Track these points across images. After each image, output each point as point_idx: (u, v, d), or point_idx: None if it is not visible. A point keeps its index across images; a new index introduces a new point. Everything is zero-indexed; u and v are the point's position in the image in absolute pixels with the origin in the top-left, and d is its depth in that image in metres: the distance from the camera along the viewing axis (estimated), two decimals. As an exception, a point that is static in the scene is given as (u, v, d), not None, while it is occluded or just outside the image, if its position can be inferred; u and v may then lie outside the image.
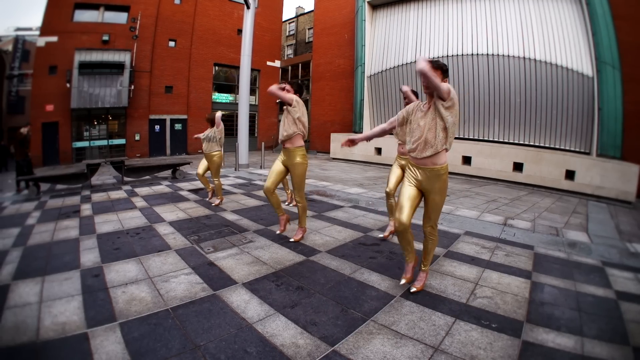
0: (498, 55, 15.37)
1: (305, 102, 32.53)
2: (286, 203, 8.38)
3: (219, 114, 8.48)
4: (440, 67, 3.71)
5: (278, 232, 6.01)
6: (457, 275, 4.44)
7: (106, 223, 6.91)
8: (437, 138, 3.63)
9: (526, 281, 4.32)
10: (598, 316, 3.55)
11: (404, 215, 3.78)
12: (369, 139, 4.48)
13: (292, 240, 5.66)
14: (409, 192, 3.88)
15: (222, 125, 8.44)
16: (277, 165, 5.65)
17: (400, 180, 5.62)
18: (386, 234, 5.98)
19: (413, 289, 3.93)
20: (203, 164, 8.74)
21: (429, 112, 3.70)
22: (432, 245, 4.08)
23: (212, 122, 8.47)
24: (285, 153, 5.57)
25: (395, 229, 3.90)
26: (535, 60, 14.51)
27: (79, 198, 9.63)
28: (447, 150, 3.73)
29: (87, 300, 3.73)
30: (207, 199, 8.64)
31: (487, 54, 15.65)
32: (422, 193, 3.92)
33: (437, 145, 3.64)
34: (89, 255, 5.09)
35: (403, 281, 4.03)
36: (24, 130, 12.39)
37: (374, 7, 20.82)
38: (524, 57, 14.75)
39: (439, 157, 3.72)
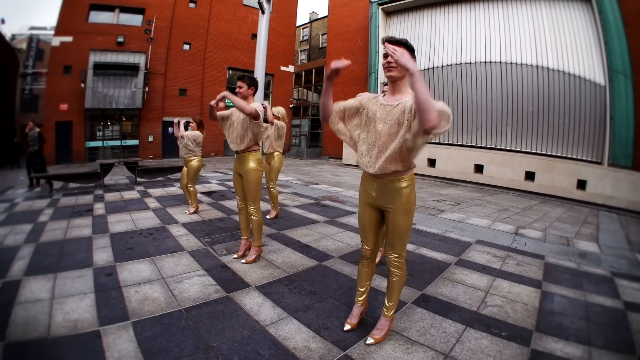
0: (511, 63, 15.31)
1: (319, 107, 32.62)
2: (267, 217, 7.47)
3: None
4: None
5: (235, 255, 5.15)
6: (468, 284, 4.43)
7: (119, 223, 6.97)
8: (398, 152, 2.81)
9: (536, 290, 4.30)
10: (606, 326, 3.55)
11: (369, 241, 3.22)
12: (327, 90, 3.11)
13: (243, 262, 4.92)
14: (367, 214, 3.16)
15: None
16: (235, 177, 5.08)
17: None
18: (377, 260, 5.26)
19: (370, 340, 3.07)
20: (184, 171, 8.02)
21: (394, 115, 2.82)
22: (398, 281, 3.14)
23: (199, 125, 8.12)
24: (238, 159, 4.94)
25: (361, 254, 3.31)
26: (548, 68, 14.43)
27: (92, 197, 9.72)
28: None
29: (100, 298, 3.76)
30: (187, 212, 7.88)
31: (500, 62, 15.60)
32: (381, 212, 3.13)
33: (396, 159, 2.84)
34: (102, 254, 5.14)
35: (347, 327, 3.29)
36: (27, 129, 12.59)
37: (388, 13, 20.80)
38: (537, 65, 14.68)
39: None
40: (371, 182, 3.02)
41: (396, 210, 2.94)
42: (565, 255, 5.79)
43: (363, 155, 2.98)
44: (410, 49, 2.79)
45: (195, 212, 7.87)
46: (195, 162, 7.83)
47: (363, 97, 3.14)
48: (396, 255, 3.07)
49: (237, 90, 4.76)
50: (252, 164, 4.81)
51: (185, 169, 7.96)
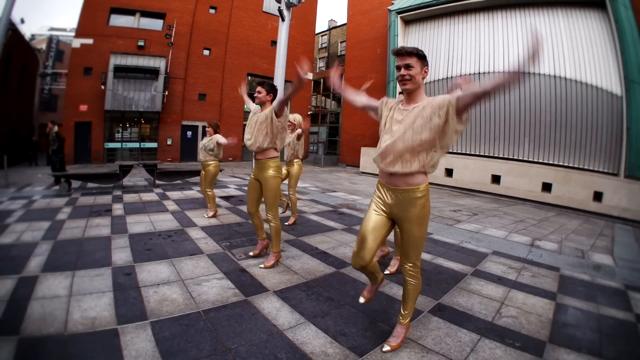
0: (529, 73, 15.18)
1: (337, 115, 32.60)
2: (286, 223, 7.47)
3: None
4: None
5: (252, 253, 5.33)
6: (484, 294, 4.42)
7: (138, 224, 7.06)
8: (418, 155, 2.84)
9: (551, 302, 4.28)
10: (617, 338, 3.54)
11: (366, 251, 3.03)
12: (344, 89, 3.57)
13: (261, 267, 4.94)
14: (374, 219, 3.07)
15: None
16: (251, 182, 5.10)
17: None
18: (393, 269, 5.04)
19: (386, 348, 3.06)
20: (202, 175, 8.11)
21: (410, 117, 2.87)
22: (413, 290, 3.14)
23: (215, 129, 8.11)
24: (257, 165, 4.96)
25: (353, 266, 3.22)
26: (565, 78, 14.32)
27: (110, 197, 9.86)
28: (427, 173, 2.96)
29: (119, 297, 3.82)
30: (205, 216, 7.94)
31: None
32: (393, 222, 3.13)
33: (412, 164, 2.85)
34: (121, 254, 5.21)
35: (362, 299, 3.46)
36: (47, 129, 12.97)
37: (407, 22, 20.81)
38: (555, 75, 14.58)
39: (415, 176, 2.90)
40: (387, 191, 3.02)
41: (411, 220, 2.94)
42: (580, 268, 5.75)
43: (380, 157, 2.98)
44: (422, 57, 2.83)
45: (214, 216, 7.91)
46: (212, 167, 7.89)
47: (385, 101, 3.22)
48: (411, 264, 3.07)
49: (255, 95, 4.87)
50: (271, 171, 4.84)
51: (203, 173, 8.03)
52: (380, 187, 3.09)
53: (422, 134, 2.75)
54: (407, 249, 3.04)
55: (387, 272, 5.00)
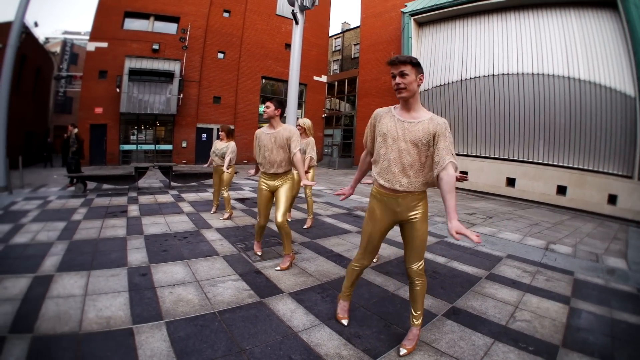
0: (543, 74, 15.06)
1: (351, 117, 32.56)
2: (304, 227, 7.53)
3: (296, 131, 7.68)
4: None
5: (278, 268, 5.01)
6: (498, 298, 4.40)
7: (153, 225, 7.13)
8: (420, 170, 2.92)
9: (564, 306, 4.25)
10: (629, 343, 3.51)
11: (371, 255, 3.34)
12: (355, 185, 3.80)
13: (277, 269, 4.95)
14: (380, 227, 3.18)
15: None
16: (263, 194, 5.08)
17: None
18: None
19: (403, 351, 3.07)
20: (216, 180, 8.27)
21: (416, 134, 2.87)
22: (422, 289, 3.15)
23: (228, 134, 8.09)
24: (271, 177, 5.01)
25: (358, 265, 3.40)
26: (579, 80, 14.14)
27: (125, 199, 9.97)
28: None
29: (134, 297, 3.87)
30: (222, 218, 7.98)
31: (533, 73, 15.36)
32: (399, 225, 3.18)
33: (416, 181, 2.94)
34: (137, 255, 5.28)
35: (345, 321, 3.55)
36: (67, 133, 13.25)
37: (420, 24, 20.70)
38: (569, 77, 14.42)
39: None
40: (393, 199, 3.02)
41: (419, 218, 3.00)
42: (594, 272, 5.69)
43: (385, 172, 2.99)
44: (416, 65, 2.83)
45: (229, 217, 7.97)
46: (228, 172, 7.87)
47: (375, 116, 3.16)
48: (420, 264, 3.09)
49: (264, 110, 4.95)
50: (289, 182, 5.02)
51: (217, 177, 8.13)
52: (385, 198, 3.08)
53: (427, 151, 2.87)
54: (419, 249, 3.06)
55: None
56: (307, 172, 7.24)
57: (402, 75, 2.80)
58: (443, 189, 2.66)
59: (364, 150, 3.39)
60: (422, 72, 2.88)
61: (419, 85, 2.87)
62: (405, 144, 2.86)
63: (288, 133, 4.85)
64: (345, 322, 3.50)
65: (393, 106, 3.11)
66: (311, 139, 7.22)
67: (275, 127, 4.94)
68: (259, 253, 5.50)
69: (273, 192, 5.05)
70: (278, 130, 4.90)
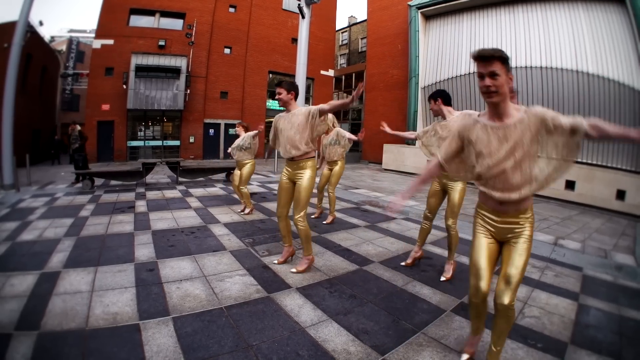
0: (551, 68, 14.97)
1: (359, 111, 32.49)
2: (324, 222, 7.49)
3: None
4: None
5: (276, 261, 4.97)
6: (508, 293, 4.35)
7: (161, 220, 7.13)
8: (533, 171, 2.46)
9: (573, 303, 4.20)
10: (637, 340, 3.46)
11: (484, 281, 2.64)
12: (417, 187, 3.00)
13: (293, 271, 4.67)
14: (486, 246, 2.66)
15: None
16: (283, 184, 4.76)
17: (440, 203, 4.87)
18: (409, 261, 5.12)
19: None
20: (237, 173, 8.21)
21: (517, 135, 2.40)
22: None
23: (246, 129, 8.27)
24: (292, 165, 4.66)
25: (470, 297, 2.77)
26: (587, 73, 14.05)
27: (133, 195, 9.99)
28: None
29: (141, 293, 3.86)
30: (240, 212, 8.08)
31: (541, 67, 15.27)
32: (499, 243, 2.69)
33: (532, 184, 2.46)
34: (144, 250, 5.27)
35: (465, 356, 2.94)
36: (70, 130, 13.33)
37: (427, 17, 20.64)
38: (577, 70, 14.31)
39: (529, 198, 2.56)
40: (495, 214, 2.61)
41: (523, 235, 2.56)
42: (603, 268, 5.64)
43: (488, 181, 2.56)
44: (506, 60, 2.34)
45: (251, 212, 8.02)
46: (249, 165, 8.03)
47: (460, 130, 2.70)
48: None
49: (277, 97, 4.69)
50: (308, 171, 4.58)
51: (238, 172, 8.16)
52: (490, 212, 2.66)
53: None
54: (518, 270, 2.51)
55: (402, 264, 5.10)
56: (335, 164, 7.33)
57: (493, 76, 2.31)
58: (603, 125, 2.18)
59: (434, 162, 2.90)
60: (511, 69, 2.39)
61: (510, 86, 2.38)
62: (507, 144, 2.42)
63: (305, 109, 4.54)
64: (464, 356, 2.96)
65: (477, 114, 2.70)
66: (338, 129, 7.32)
67: (293, 110, 4.66)
68: (281, 260, 5.01)
69: (294, 183, 4.67)
70: (294, 112, 4.61)
